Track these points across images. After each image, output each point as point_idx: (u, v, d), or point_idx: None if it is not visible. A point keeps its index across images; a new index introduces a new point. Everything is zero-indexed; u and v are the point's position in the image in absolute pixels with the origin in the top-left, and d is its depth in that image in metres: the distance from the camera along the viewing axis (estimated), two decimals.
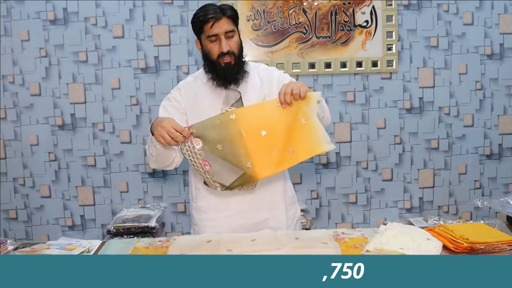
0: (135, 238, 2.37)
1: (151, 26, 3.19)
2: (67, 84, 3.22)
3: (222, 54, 1.95)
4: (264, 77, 2.09)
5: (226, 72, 1.98)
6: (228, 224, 2.05)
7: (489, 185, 3.48)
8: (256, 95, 2.04)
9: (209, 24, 1.92)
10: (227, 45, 1.94)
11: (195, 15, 1.98)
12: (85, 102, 3.23)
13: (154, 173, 3.30)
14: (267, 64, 2.24)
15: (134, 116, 3.25)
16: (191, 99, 2.07)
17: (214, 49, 1.96)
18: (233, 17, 1.96)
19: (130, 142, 3.27)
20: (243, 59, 2.05)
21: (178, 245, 1.83)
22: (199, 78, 2.10)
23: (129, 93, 3.23)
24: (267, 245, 1.75)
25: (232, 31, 1.96)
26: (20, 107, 3.22)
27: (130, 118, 3.25)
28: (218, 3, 2.09)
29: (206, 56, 2.01)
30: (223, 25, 1.92)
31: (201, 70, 2.10)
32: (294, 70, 3.18)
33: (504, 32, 3.34)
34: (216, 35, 1.93)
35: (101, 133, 3.25)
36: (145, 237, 2.63)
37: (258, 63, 2.18)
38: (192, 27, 2.02)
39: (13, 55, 3.18)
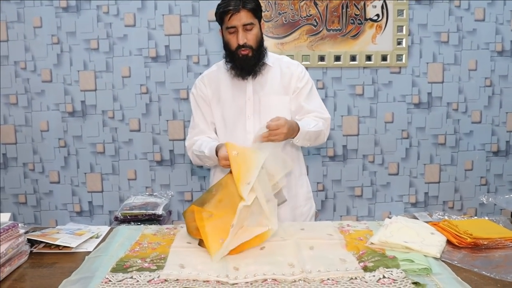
0: (143, 225, 2.41)
1: (163, 15, 3.21)
2: (78, 71, 3.25)
3: (239, 46, 1.98)
4: (285, 70, 2.12)
5: (243, 63, 2.02)
6: None
7: (495, 182, 3.48)
8: (274, 88, 2.09)
9: (228, 16, 1.95)
10: (243, 38, 1.97)
11: (218, 6, 2.01)
12: (95, 90, 3.26)
13: (162, 162, 3.33)
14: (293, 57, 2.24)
15: (143, 104, 3.27)
16: (214, 88, 2.14)
17: (232, 41, 2.00)
18: (254, 10, 1.98)
19: (139, 130, 3.29)
20: (263, 51, 2.06)
21: (185, 234, 1.85)
22: (221, 67, 2.14)
23: (139, 82, 3.26)
24: (272, 236, 1.76)
25: (251, 23, 1.97)
26: (32, 93, 3.25)
27: (139, 106, 3.27)
28: None
29: (225, 46, 2.05)
30: (241, 17, 1.94)
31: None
32: (304, 62, 3.18)
33: None
34: (234, 27, 1.96)
35: (111, 121, 3.28)
36: (151, 224, 2.65)
37: (282, 56, 2.20)
38: (215, 17, 2.05)
39: (26, 42, 3.21)
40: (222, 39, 2.07)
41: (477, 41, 3.33)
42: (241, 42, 1.97)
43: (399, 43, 3.27)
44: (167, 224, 2.87)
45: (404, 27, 3.25)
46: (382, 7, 3.22)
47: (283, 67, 2.13)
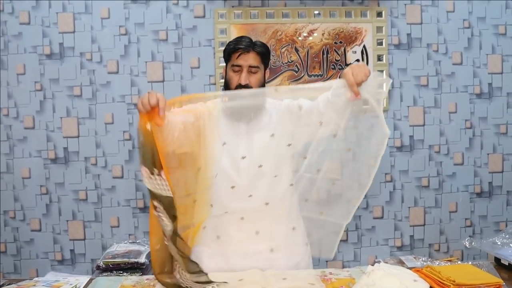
0: (124, 275, 2.38)
1: (146, 62, 3.24)
2: (61, 118, 3.24)
3: (239, 86, 1.95)
4: (280, 113, 2.04)
5: None
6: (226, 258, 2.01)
7: (480, 223, 3.48)
8: (263, 135, 2.01)
9: (237, 54, 1.96)
10: (246, 79, 1.95)
11: (228, 44, 2.04)
12: (78, 136, 3.25)
13: (145, 208, 3.29)
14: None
15: (126, 151, 3.26)
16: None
17: (234, 79, 1.98)
18: (263, 54, 1.99)
19: (122, 177, 3.27)
20: None
21: None
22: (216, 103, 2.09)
23: (122, 128, 3.26)
24: (253, 285, 1.74)
25: (256, 67, 1.97)
26: (14, 140, 3.24)
27: (122, 153, 3.26)
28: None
29: (226, 84, 2.03)
30: (249, 58, 1.95)
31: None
32: None
33: (492, 72, 3.41)
34: (240, 66, 1.96)
35: (93, 168, 3.26)
36: (134, 272, 2.63)
37: (282, 99, 2.09)
38: (223, 53, 2.06)
39: (9, 88, 3.21)
40: (224, 77, 2.05)
41: (455, 84, 3.40)
42: (243, 82, 1.94)
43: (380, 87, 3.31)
44: (150, 272, 2.82)
45: (384, 72, 3.31)
46: (362, 52, 3.29)
47: (279, 109, 2.05)
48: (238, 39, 2.01)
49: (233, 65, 1.97)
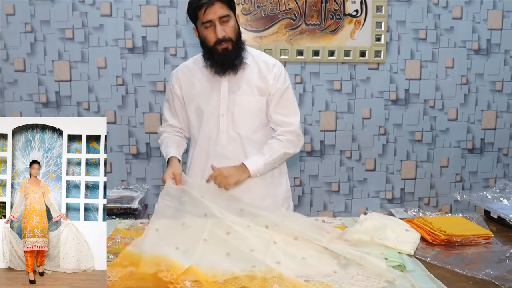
0: (117, 219, 2.38)
1: (140, 5, 3.16)
2: (53, 61, 3.18)
3: (218, 41, 1.90)
4: (263, 70, 2.04)
5: (224, 58, 1.94)
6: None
7: (470, 179, 3.53)
8: (250, 88, 2.02)
9: (203, 10, 1.86)
10: (222, 31, 1.89)
11: (189, 3, 1.92)
12: (70, 80, 3.20)
13: (138, 155, 3.28)
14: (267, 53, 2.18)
15: (119, 96, 3.22)
16: (187, 84, 2.06)
17: (210, 36, 1.91)
18: (228, 1, 1.90)
19: (115, 123, 3.24)
20: (241, 45, 1.99)
21: (155, 227, 1.78)
22: (198, 62, 2.06)
23: (115, 73, 3.20)
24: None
25: (227, 15, 1.89)
26: (4, 83, 3.17)
27: (115, 98, 3.22)
28: None
29: (203, 43, 1.96)
30: (216, 10, 1.86)
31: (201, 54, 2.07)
32: (282, 57, 3.17)
33: (492, 28, 3.37)
34: (210, 21, 1.87)
35: (86, 112, 3.22)
36: (127, 218, 2.62)
37: (261, 52, 2.11)
38: (188, 15, 1.96)
39: None
40: (198, 37, 1.98)
41: (454, 39, 3.36)
42: (220, 36, 1.88)
43: (378, 39, 3.27)
44: (143, 218, 2.84)
45: (382, 24, 3.26)
46: (361, 2, 3.22)
47: (262, 66, 2.04)
48: None
49: (203, 23, 1.89)
